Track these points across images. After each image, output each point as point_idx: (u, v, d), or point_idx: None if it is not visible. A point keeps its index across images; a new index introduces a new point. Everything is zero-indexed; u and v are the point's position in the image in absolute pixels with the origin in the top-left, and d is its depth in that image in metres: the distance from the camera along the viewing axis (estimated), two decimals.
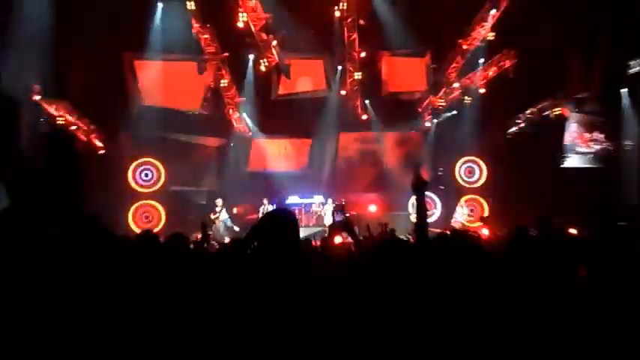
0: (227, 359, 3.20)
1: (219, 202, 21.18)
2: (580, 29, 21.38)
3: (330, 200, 20.65)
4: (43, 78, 19.99)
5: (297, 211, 21.77)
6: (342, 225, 4.94)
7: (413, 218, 21.06)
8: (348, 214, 5.14)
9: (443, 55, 23.10)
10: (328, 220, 19.25)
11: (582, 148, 22.92)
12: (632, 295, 3.58)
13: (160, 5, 21.05)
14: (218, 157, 23.81)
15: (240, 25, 21.34)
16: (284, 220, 3.57)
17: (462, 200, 21.77)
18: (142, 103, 22.41)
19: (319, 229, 20.12)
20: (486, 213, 21.06)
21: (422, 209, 4.21)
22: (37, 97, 20.22)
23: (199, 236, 11.50)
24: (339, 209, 5.15)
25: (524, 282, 3.63)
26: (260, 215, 17.53)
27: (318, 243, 12.09)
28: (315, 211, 21.67)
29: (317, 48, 23.08)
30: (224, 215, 20.58)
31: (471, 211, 22.81)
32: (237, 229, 19.90)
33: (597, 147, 22.88)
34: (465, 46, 22.31)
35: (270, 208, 19.37)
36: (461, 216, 21.23)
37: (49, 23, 19.02)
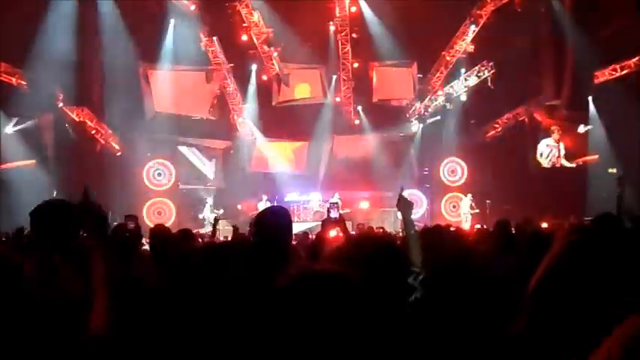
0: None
1: (209, 200, 21.31)
2: (550, 43, 21.60)
3: (336, 195, 20.65)
4: (66, 86, 20.03)
5: (295, 208, 21.81)
6: (336, 221, 4.95)
7: (400, 215, 21.10)
8: (341, 212, 5.13)
9: (428, 66, 23.20)
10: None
11: (552, 151, 23.02)
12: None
13: (172, 21, 21.07)
14: (224, 158, 23.77)
15: (244, 38, 21.49)
16: (277, 216, 3.56)
17: (469, 195, 21.74)
18: (155, 110, 22.41)
19: (316, 223, 20.06)
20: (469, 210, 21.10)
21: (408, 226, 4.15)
22: (60, 104, 20.24)
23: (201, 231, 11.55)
24: (334, 207, 5.15)
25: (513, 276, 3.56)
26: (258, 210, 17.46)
27: (314, 236, 12.12)
28: (313, 208, 21.67)
29: (314, 59, 23.20)
30: (208, 213, 20.63)
31: (453, 207, 22.91)
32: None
33: (564, 150, 23.00)
34: (447, 58, 22.45)
35: (267, 204, 19.35)
36: (465, 208, 21.26)
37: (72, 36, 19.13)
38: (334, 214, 5.14)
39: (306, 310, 1.49)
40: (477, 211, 20.81)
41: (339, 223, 5.05)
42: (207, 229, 19.57)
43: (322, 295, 1.50)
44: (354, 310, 1.50)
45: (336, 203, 18.07)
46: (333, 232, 5.06)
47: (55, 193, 17.22)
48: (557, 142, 22.94)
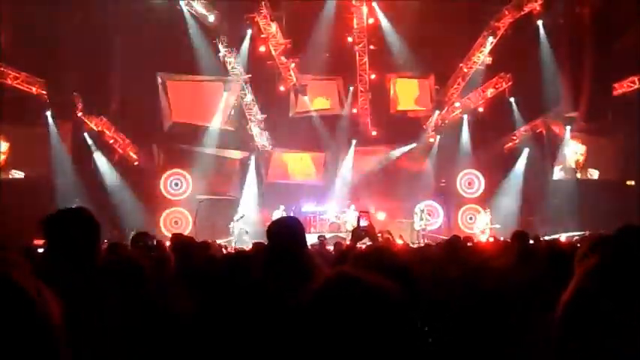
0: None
1: (240, 210, 21.34)
2: (568, 54, 21.55)
3: (352, 207, 20.57)
4: (85, 96, 20.27)
5: (312, 219, 21.81)
6: (366, 230, 4.95)
7: (417, 226, 21.08)
8: (370, 221, 5.08)
9: (445, 77, 23.16)
10: (350, 226, 19.04)
11: (570, 163, 22.94)
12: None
13: (190, 31, 21.24)
14: (241, 168, 23.81)
15: (262, 49, 21.64)
16: (285, 224, 3.62)
17: (483, 210, 21.62)
18: (173, 120, 22.58)
19: (331, 234, 20.00)
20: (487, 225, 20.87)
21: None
22: (79, 113, 20.47)
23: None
24: (364, 216, 5.13)
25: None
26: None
27: (332, 248, 12.12)
28: (329, 219, 21.64)
29: (331, 70, 23.20)
30: (243, 223, 20.64)
31: (470, 219, 22.75)
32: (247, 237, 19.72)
33: (581, 160, 22.90)
34: (465, 69, 22.42)
35: (283, 213, 19.39)
36: (482, 223, 20.97)
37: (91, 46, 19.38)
38: (364, 223, 5.09)
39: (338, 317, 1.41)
40: (498, 226, 20.33)
41: (368, 232, 5.05)
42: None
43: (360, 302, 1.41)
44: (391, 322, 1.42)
45: (367, 211, 18.06)
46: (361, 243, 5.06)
47: (77, 200, 17.37)
48: (577, 152, 22.84)
